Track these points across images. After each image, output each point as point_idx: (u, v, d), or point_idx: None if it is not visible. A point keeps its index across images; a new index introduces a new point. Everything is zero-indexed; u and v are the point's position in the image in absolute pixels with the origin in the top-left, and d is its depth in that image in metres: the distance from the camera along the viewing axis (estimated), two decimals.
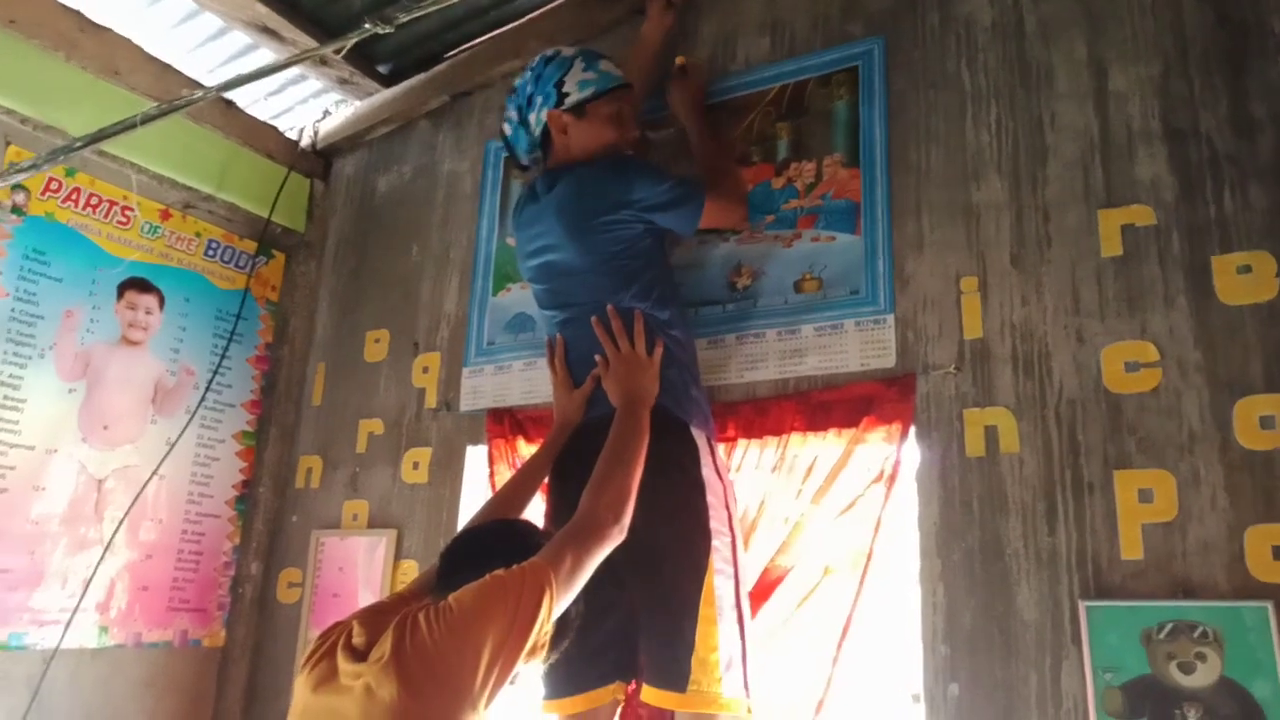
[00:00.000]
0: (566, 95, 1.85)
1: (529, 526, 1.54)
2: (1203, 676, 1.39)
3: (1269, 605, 1.37)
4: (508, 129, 1.94)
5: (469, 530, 1.52)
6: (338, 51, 2.03)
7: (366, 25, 1.42)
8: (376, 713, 1.15)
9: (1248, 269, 1.51)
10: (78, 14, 2.21)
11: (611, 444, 1.57)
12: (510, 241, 2.36)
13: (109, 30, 2.27)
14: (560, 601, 1.28)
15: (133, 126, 1.62)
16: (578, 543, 1.36)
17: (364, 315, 2.59)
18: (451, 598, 1.24)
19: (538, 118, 1.87)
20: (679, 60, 2.06)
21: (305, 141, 2.78)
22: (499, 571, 1.26)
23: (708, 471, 1.69)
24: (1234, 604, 1.39)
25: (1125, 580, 1.49)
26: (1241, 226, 1.53)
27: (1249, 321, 1.49)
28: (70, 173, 2.22)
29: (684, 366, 1.79)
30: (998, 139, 1.78)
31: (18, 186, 2.10)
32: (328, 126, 2.79)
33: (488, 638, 1.19)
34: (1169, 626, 1.42)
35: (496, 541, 1.39)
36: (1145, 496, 1.50)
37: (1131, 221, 1.62)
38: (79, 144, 1.79)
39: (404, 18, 1.40)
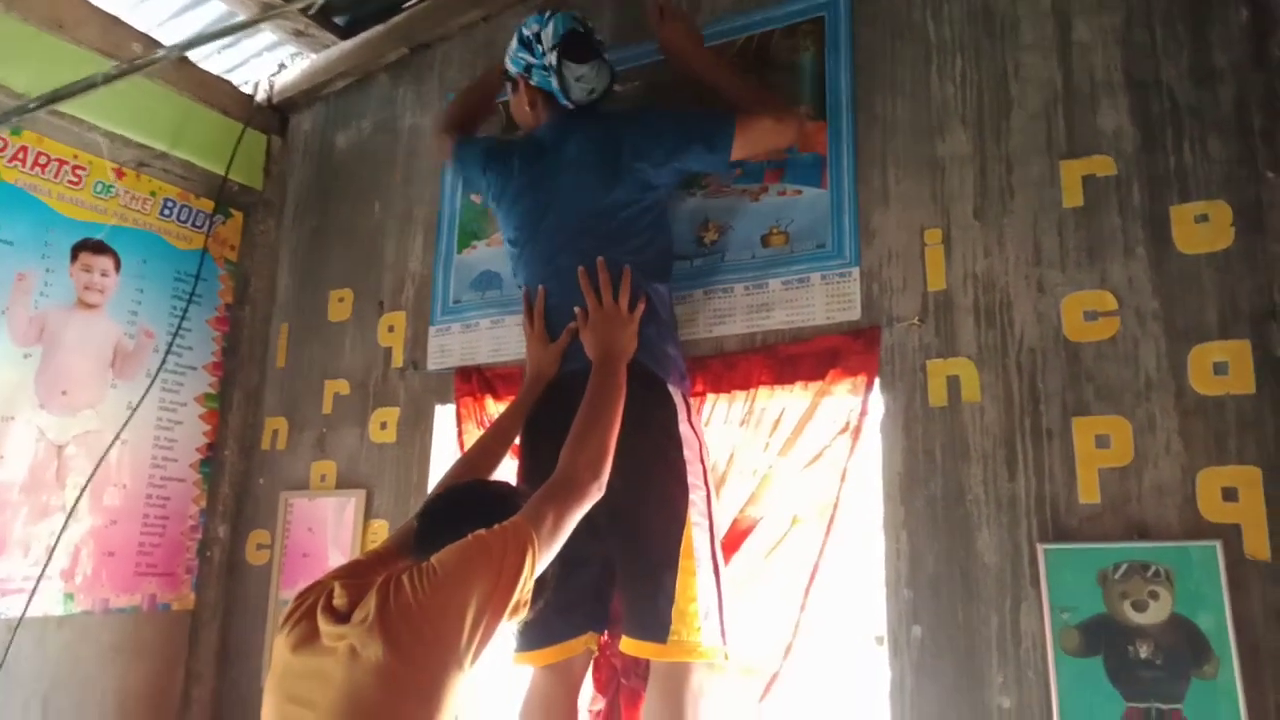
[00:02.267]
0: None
1: (506, 487, 1.54)
2: (1154, 614, 1.45)
3: (1218, 544, 1.42)
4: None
5: (447, 490, 1.52)
6: (306, 10, 1.94)
7: None
8: (361, 673, 1.16)
9: (1205, 218, 1.54)
10: None
11: (589, 399, 1.57)
12: (475, 198, 2.33)
13: None
14: (542, 559, 1.29)
15: (92, 86, 1.54)
16: (558, 500, 1.36)
17: (327, 274, 2.55)
18: (434, 558, 1.24)
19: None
20: (658, 4, 1.98)
21: (261, 96, 2.71)
22: (481, 531, 1.26)
23: (684, 427, 1.70)
24: (1185, 544, 1.44)
25: (1082, 524, 1.53)
26: (1200, 177, 1.56)
27: (1205, 270, 1.52)
28: (16, 131, 2.14)
29: (663, 324, 1.79)
30: (962, 91, 1.79)
31: None
32: (283, 80, 2.71)
33: (472, 597, 1.20)
34: (1124, 567, 1.46)
35: (476, 502, 1.39)
36: (1102, 442, 1.54)
37: (1093, 172, 1.64)
38: (33, 104, 1.71)
39: None
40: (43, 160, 2.20)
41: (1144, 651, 1.44)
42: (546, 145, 1.91)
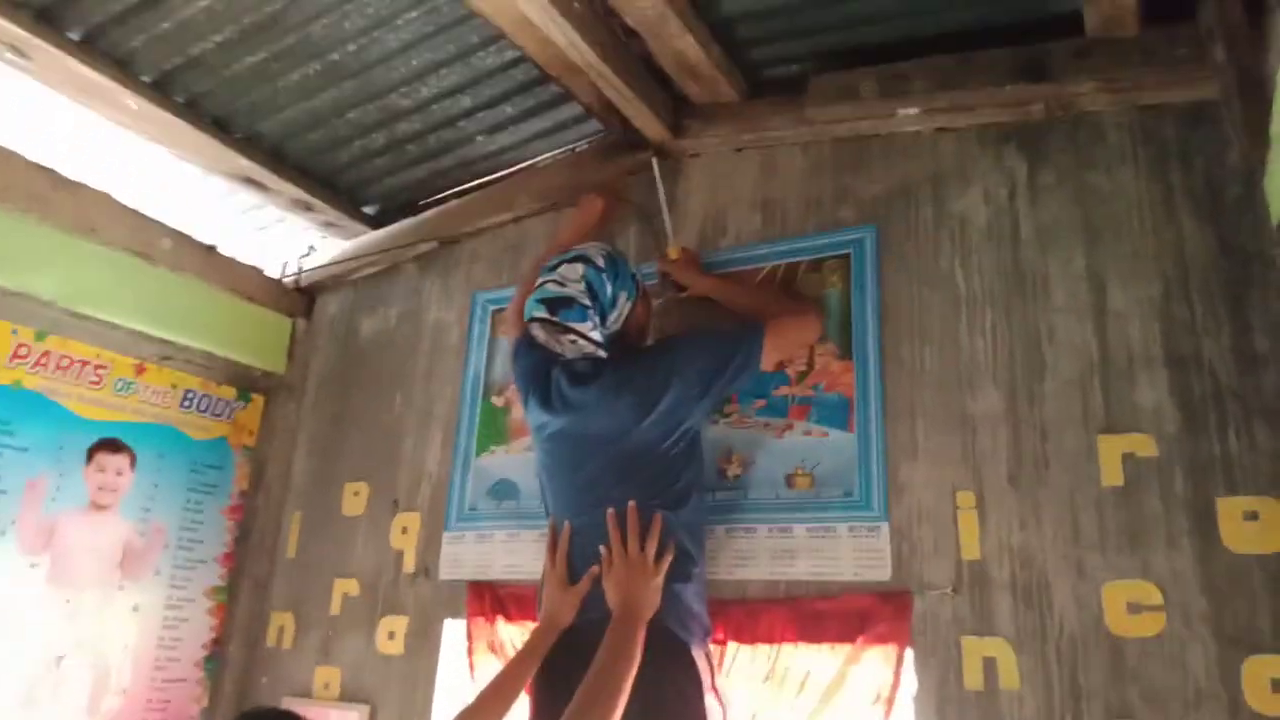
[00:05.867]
0: (638, 282, 1.92)
1: None
2: None
3: None
4: (598, 337, 1.81)
5: None
6: None
7: None
8: None
9: (1255, 516, 1.46)
10: (51, 172, 2.15)
11: (600, 662, 1.49)
12: (497, 400, 2.31)
13: (83, 186, 2.21)
14: None
15: None
16: None
17: (343, 466, 2.52)
18: None
19: (621, 312, 1.87)
20: (671, 254, 2.06)
21: (288, 278, 2.73)
22: None
23: (709, 699, 1.62)
24: None
25: None
26: (1248, 468, 1.49)
27: (1257, 572, 1.44)
28: (40, 336, 2.15)
29: (692, 577, 1.72)
30: (993, 347, 1.74)
31: None
32: (311, 263, 2.74)
33: None
34: None
35: None
36: None
37: (1133, 451, 1.57)
38: None
39: None
40: (65, 363, 2.20)
41: None
42: (583, 370, 1.87)
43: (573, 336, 1.80)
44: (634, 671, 1.50)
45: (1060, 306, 1.70)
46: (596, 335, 1.81)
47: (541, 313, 1.81)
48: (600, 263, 1.83)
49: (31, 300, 2.11)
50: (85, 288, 2.20)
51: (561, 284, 1.81)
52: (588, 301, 1.80)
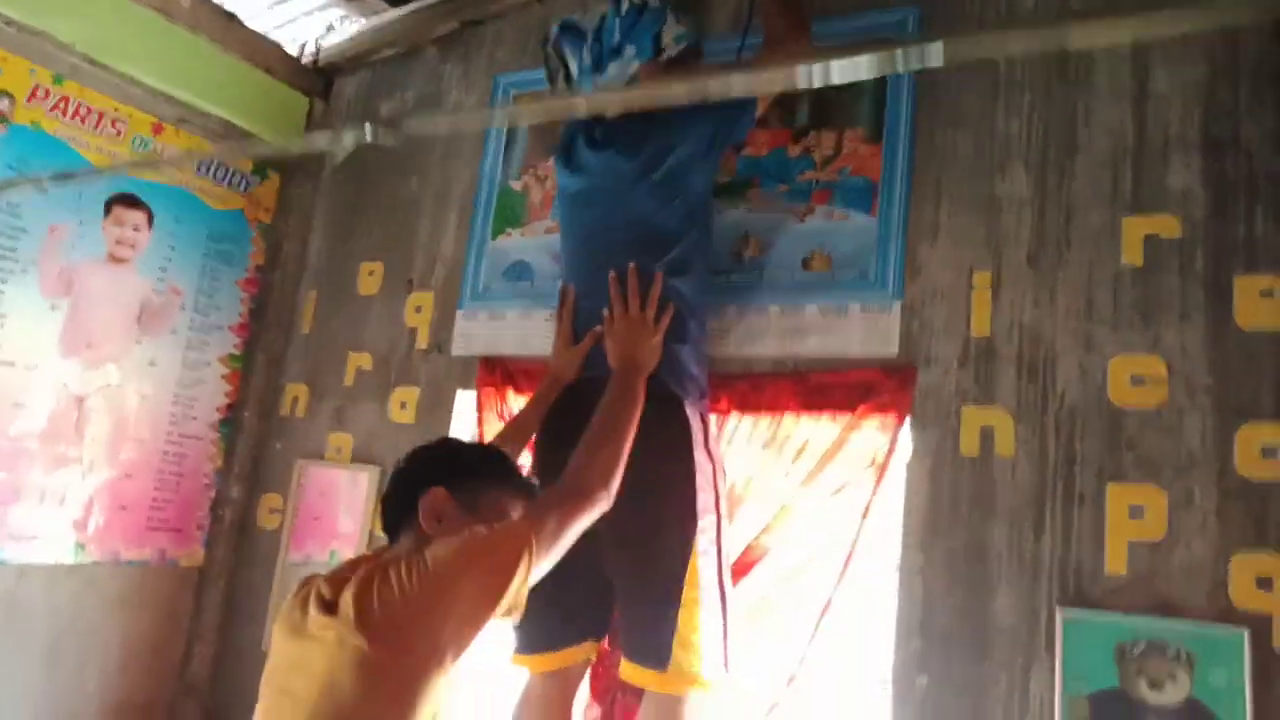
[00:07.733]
0: (663, 49, 1.77)
1: (454, 448, 1.47)
2: (1171, 695, 1.41)
3: (1245, 632, 1.38)
4: (573, 68, 1.83)
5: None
6: None
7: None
8: (342, 663, 1.13)
9: (1270, 293, 1.47)
10: None
11: (604, 409, 1.53)
12: (515, 185, 2.30)
13: None
14: (540, 564, 1.25)
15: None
16: (564, 507, 1.32)
17: (359, 246, 2.53)
18: (428, 553, 1.21)
19: (624, 69, 1.76)
20: None
21: (306, 58, 2.66)
22: (479, 528, 1.23)
23: (700, 453, 1.66)
24: (1211, 626, 1.40)
25: (1105, 593, 1.49)
26: (1272, 248, 1.49)
27: (1265, 348, 1.46)
28: (59, 80, 2.12)
29: (691, 339, 1.74)
30: (1027, 129, 1.72)
31: (2, 93, 2.00)
32: (330, 43, 2.67)
33: (460, 594, 1.16)
34: (1143, 645, 1.43)
35: (429, 459, 1.37)
36: (1135, 512, 1.50)
37: (1156, 232, 1.57)
38: None
39: None
40: (83, 111, 2.18)
41: None
42: (598, 135, 1.85)
43: (559, 70, 1.86)
44: (637, 415, 1.53)
45: (1101, 88, 1.67)
46: (572, 68, 1.84)
47: (554, 33, 1.85)
48: (624, 7, 1.77)
49: (50, 40, 2.06)
50: (104, 36, 2.15)
51: (584, 13, 1.83)
52: (590, 39, 1.77)
